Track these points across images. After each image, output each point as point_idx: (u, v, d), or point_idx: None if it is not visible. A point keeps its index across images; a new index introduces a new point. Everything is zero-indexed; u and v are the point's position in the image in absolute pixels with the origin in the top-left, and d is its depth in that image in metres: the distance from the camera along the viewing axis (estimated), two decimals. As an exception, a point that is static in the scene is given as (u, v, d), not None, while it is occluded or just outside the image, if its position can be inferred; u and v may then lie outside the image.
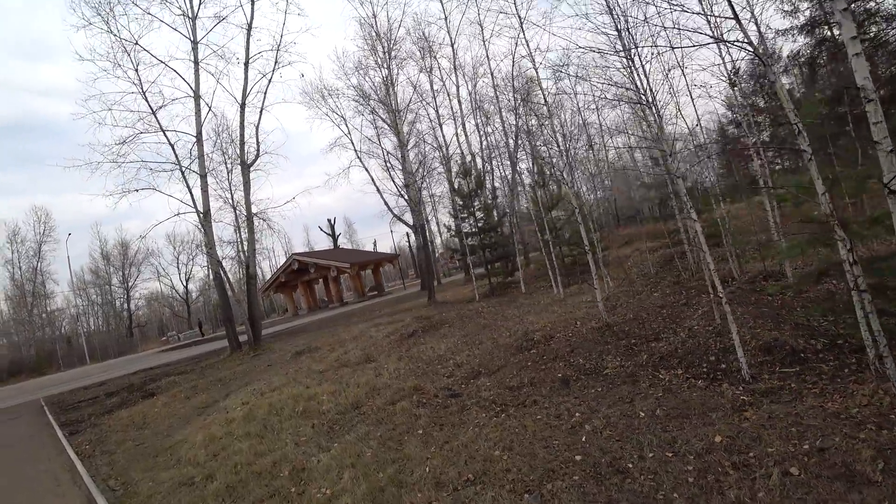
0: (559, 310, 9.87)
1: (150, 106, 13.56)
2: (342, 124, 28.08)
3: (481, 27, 22.88)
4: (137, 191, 12.99)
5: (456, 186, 16.79)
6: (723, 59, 8.52)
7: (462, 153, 22.18)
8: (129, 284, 47.68)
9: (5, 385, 27.65)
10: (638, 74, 5.23)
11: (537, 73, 11.10)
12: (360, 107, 27.68)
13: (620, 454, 3.46)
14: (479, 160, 21.90)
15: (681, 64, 8.33)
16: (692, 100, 10.65)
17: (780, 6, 22.20)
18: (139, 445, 6.65)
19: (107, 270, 47.11)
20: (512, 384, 5.69)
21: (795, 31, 23.14)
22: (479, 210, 16.18)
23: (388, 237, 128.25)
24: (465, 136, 21.08)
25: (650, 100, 5.24)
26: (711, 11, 7.01)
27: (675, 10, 4.46)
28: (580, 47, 5.59)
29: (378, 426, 5.18)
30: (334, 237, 50.61)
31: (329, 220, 50.10)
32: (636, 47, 5.27)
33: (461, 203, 16.27)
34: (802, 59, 23.22)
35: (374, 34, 21.86)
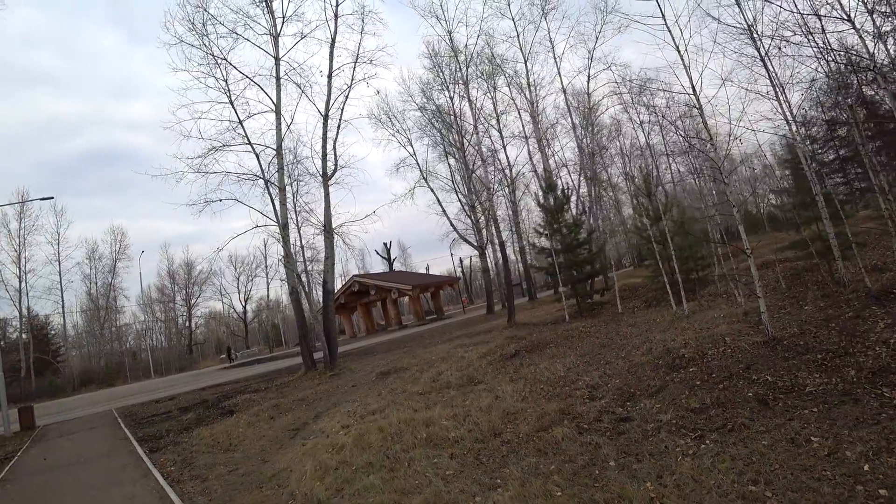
0: (691, 326, 8.61)
1: (237, 115, 13.39)
2: (408, 145, 27.86)
3: (552, 44, 22.23)
4: (221, 200, 12.70)
5: (541, 202, 15.70)
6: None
7: (545, 169, 21.13)
8: (192, 303, 48.94)
9: (78, 394, 28.33)
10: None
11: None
12: (426, 127, 27.51)
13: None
14: (562, 176, 20.77)
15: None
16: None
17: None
18: (233, 472, 5.75)
19: (172, 289, 48.62)
20: (692, 406, 4.84)
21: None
22: (565, 226, 14.98)
23: (440, 262, 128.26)
24: (542, 152, 20.08)
25: None
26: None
27: None
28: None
29: (545, 458, 4.24)
30: (390, 261, 50.40)
31: (385, 244, 50.11)
32: None
33: (547, 219, 15.13)
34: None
35: (448, 51, 21.54)
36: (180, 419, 10.29)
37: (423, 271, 53.97)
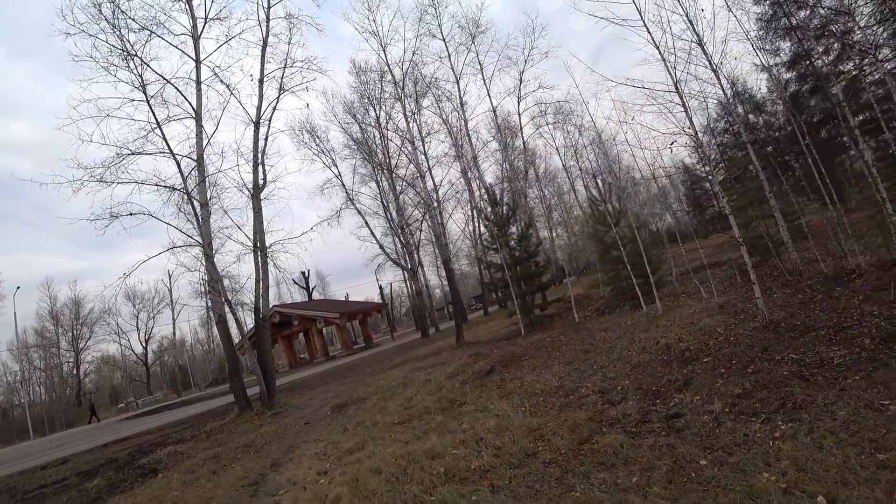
0: (672, 323, 8.57)
1: (155, 116, 11.53)
2: (333, 166, 26.61)
3: (481, 66, 22.40)
4: (131, 214, 10.68)
5: (485, 217, 15.28)
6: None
7: (486, 186, 20.89)
8: (81, 346, 42.72)
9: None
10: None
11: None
12: (352, 148, 26.47)
13: None
14: (497, 191, 20.57)
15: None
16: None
17: (762, 46, 23.03)
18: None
19: (55, 331, 42.12)
20: (735, 392, 4.71)
21: (781, 67, 23.98)
22: (512, 239, 14.64)
23: (359, 290, 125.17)
24: (478, 170, 19.86)
25: None
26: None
27: None
28: None
29: (615, 470, 3.75)
30: (309, 290, 47.75)
31: (303, 273, 47.51)
32: None
33: (493, 233, 14.71)
34: (788, 92, 23.94)
35: (380, 67, 20.81)
36: (83, 488, 8.11)
37: (343, 300, 51.76)
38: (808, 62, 22.62)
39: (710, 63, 8.53)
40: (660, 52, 7.71)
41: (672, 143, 7.10)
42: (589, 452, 4.19)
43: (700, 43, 8.30)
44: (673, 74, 7.61)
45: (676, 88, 7.61)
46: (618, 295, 12.22)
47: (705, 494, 3.12)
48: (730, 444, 3.75)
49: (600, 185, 11.79)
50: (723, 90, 9.43)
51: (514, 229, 14.89)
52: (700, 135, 7.81)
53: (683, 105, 7.58)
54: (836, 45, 19.50)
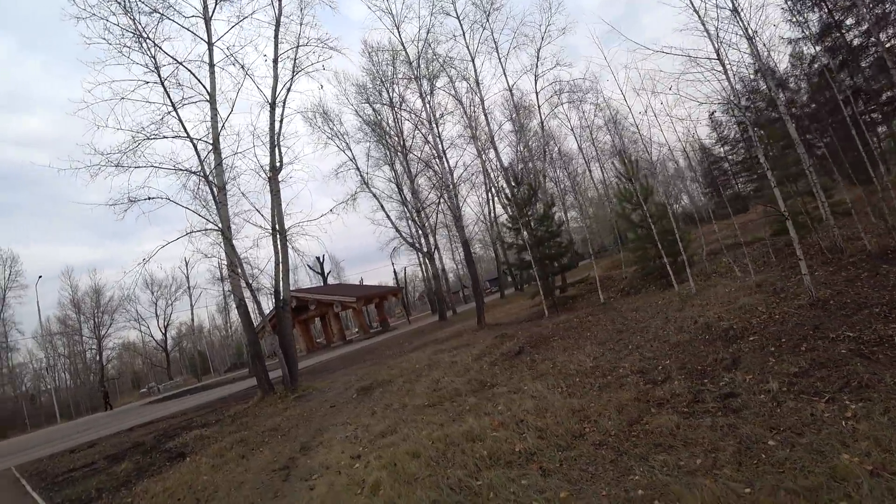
0: (709, 302, 8.22)
1: (170, 98, 11.33)
2: (347, 150, 26.31)
3: (496, 45, 21.77)
4: (149, 199, 10.56)
5: (506, 196, 14.95)
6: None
7: (508, 164, 20.48)
8: (102, 333, 43.44)
9: (-40, 454, 23.59)
10: None
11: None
12: (366, 131, 26.13)
13: None
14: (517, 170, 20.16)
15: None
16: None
17: (789, 17, 22.01)
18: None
19: (77, 319, 42.86)
20: (791, 371, 4.47)
21: (809, 40, 22.88)
22: (534, 220, 14.31)
23: (372, 275, 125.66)
24: (495, 150, 19.42)
25: None
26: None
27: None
28: None
29: (675, 452, 3.53)
30: (324, 275, 47.84)
31: (318, 258, 47.53)
32: None
33: (513, 214, 14.39)
34: (816, 67, 22.95)
35: (394, 46, 20.32)
36: (112, 472, 8.11)
37: (358, 284, 51.86)
38: (839, 34, 21.55)
39: (745, 31, 8.08)
40: (700, 17, 7.29)
41: (712, 113, 6.72)
42: (642, 434, 3.99)
43: (735, 10, 7.85)
44: (714, 42, 7.21)
45: (718, 55, 7.20)
46: (645, 274, 11.87)
47: (782, 477, 2.89)
48: (796, 424, 3.52)
49: (627, 161, 11.34)
50: (759, 58, 8.96)
51: (535, 209, 14.53)
52: (741, 102, 7.40)
53: (725, 72, 7.19)
54: (868, 14, 18.58)
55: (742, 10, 7.90)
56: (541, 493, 3.37)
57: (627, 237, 13.83)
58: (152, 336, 47.13)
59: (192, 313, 46.31)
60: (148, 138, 11.20)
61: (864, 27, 19.56)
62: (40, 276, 33.60)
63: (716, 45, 7.23)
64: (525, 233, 13.92)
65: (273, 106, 12.59)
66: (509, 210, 14.69)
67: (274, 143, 12.46)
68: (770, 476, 2.94)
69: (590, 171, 40.62)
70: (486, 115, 19.12)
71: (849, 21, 21.09)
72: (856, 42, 21.13)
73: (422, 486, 3.85)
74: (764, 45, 9.00)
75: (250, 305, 12.35)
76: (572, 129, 36.96)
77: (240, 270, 11.39)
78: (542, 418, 4.81)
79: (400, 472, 4.22)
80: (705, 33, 7.26)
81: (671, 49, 7.35)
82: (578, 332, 9.04)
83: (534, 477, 3.60)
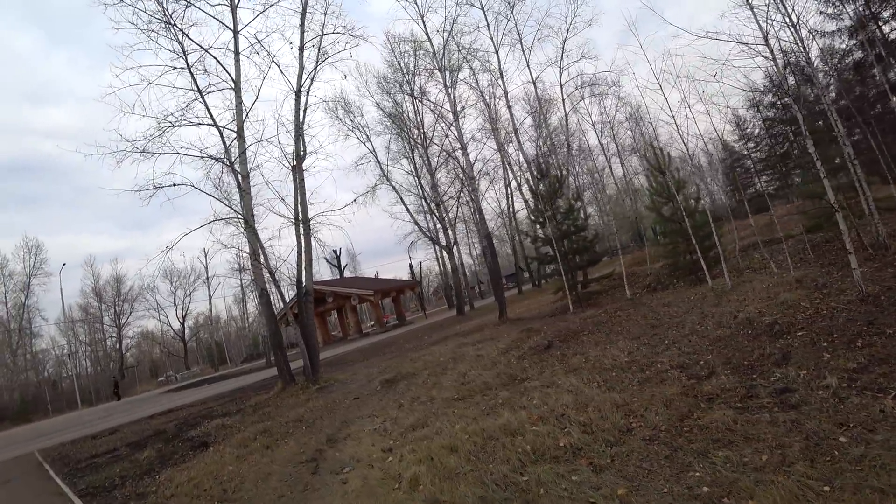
0: (747, 297, 7.89)
1: (196, 84, 11.26)
2: (367, 142, 26.19)
3: (520, 37, 21.40)
4: (174, 185, 10.52)
5: (530, 188, 14.67)
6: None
7: (530, 158, 20.16)
8: (122, 322, 44.13)
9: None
10: None
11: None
12: (386, 123, 25.98)
13: None
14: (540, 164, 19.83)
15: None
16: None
17: (824, 10, 21.20)
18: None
19: (99, 307, 43.58)
20: (849, 367, 4.23)
21: (843, 33, 22.02)
22: (559, 213, 14.00)
23: (387, 269, 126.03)
24: (518, 143, 19.09)
25: None
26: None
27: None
28: None
29: (736, 448, 3.32)
30: (340, 268, 47.93)
31: (335, 251, 47.58)
32: None
33: (538, 206, 14.11)
34: (849, 62, 22.13)
35: (418, 38, 20.09)
36: (135, 459, 8.05)
37: (375, 277, 51.88)
38: (876, 26, 20.69)
39: (789, 18, 7.71)
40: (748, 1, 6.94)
41: (759, 96, 6.38)
42: (696, 429, 3.78)
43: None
44: (762, 27, 6.86)
45: (766, 41, 6.85)
46: (675, 269, 11.51)
47: (864, 475, 2.69)
48: (867, 420, 3.32)
49: (658, 153, 10.96)
50: (804, 47, 8.56)
51: (560, 202, 14.22)
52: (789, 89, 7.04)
53: (774, 59, 6.84)
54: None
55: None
56: (595, 489, 3.16)
57: (656, 231, 13.41)
58: (170, 326, 47.86)
59: (210, 304, 46.80)
60: (173, 125, 11.15)
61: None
62: (64, 264, 34.21)
63: (764, 31, 6.88)
64: (550, 226, 13.63)
65: (298, 94, 12.47)
66: (532, 204, 14.41)
67: (299, 132, 12.33)
68: (849, 474, 2.73)
69: (610, 167, 40.05)
70: (509, 107, 18.81)
71: (885, 14, 20.28)
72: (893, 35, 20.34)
73: (464, 481, 3.65)
74: (809, 31, 8.60)
75: (272, 295, 12.27)
76: (593, 125, 36.44)
77: (263, 259, 11.29)
78: (584, 412, 4.59)
79: (438, 467, 4.02)
80: (752, 18, 6.91)
81: (717, 34, 7.02)
82: (609, 327, 8.76)
83: (585, 472, 3.40)
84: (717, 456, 3.25)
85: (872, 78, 21.22)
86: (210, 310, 48.73)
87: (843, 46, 21.32)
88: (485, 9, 19.42)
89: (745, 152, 36.17)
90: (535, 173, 13.99)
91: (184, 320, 47.71)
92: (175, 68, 11.02)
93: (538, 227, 14.38)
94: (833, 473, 2.78)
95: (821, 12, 20.75)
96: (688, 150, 8.76)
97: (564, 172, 20.36)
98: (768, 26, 6.84)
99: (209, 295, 46.14)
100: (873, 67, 20.95)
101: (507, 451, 4.04)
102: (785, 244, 10.28)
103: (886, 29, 19.79)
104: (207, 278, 45.52)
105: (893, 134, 20.04)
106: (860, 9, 20.46)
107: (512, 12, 20.25)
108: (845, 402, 3.64)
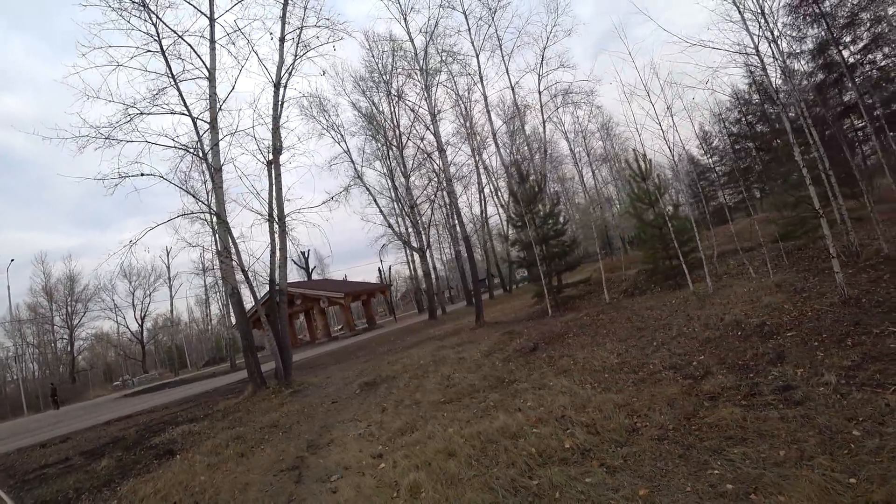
0: (730, 300, 8.06)
1: (170, 70, 10.64)
2: (342, 141, 25.69)
3: (500, 43, 21.44)
4: (141, 175, 9.86)
5: (511, 193, 14.60)
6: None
7: (510, 162, 20.11)
8: (75, 323, 41.78)
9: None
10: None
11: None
12: (362, 124, 25.58)
13: None
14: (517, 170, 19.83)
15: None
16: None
17: (789, 33, 22.19)
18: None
19: (49, 307, 41.12)
20: (844, 364, 4.34)
21: (807, 55, 23.06)
22: (538, 217, 13.99)
23: (356, 272, 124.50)
24: (497, 147, 19.02)
25: None
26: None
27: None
28: None
29: (750, 444, 3.30)
30: (308, 270, 46.88)
31: (302, 253, 46.52)
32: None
33: (518, 211, 14.07)
34: (813, 82, 23.17)
35: (399, 38, 19.85)
36: (91, 469, 7.37)
37: (344, 280, 51.02)
38: (837, 50, 21.70)
39: (770, 34, 7.90)
40: (740, 11, 7.08)
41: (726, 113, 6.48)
42: (705, 427, 3.75)
43: (763, 12, 7.67)
44: (753, 40, 7.00)
45: (757, 51, 6.99)
46: (655, 274, 11.62)
47: (887, 466, 2.71)
48: (874, 414, 3.37)
49: (641, 160, 11.06)
50: (784, 61, 8.81)
51: (539, 206, 14.21)
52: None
53: (763, 69, 6.97)
54: (865, 33, 18.78)
55: (768, 14, 7.75)
56: (615, 490, 3.01)
57: (625, 240, 13.52)
58: (128, 327, 45.62)
59: (172, 304, 44.90)
60: (142, 113, 10.51)
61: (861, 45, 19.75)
62: (12, 260, 32.16)
63: (755, 42, 7.02)
64: (530, 230, 13.58)
65: (277, 86, 12.01)
66: (512, 207, 14.35)
67: (277, 125, 11.88)
68: (872, 466, 2.74)
69: (581, 176, 40.66)
70: (488, 111, 18.75)
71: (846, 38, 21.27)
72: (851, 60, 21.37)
73: (470, 487, 3.42)
74: (788, 44, 8.88)
75: (245, 295, 11.75)
76: (565, 134, 36.94)
77: (235, 255, 10.77)
78: (584, 413, 4.48)
79: (438, 473, 3.77)
80: (745, 29, 7.06)
81: (709, 42, 7.12)
82: (594, 330, 8.72)
83: (598, 474, 3.26)
84: (734, 453, 3.23)
85: (831, 99, 22.24)
86: (171, 311, 46.74)
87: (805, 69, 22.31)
88: (466, 13, 19.38)
89: (711, 165, 37.46)
90: (515, 177, 13.90)
91: (142, 322, 45.60)
92: (149, 51, 10.40)
93: (517, 230, 14.34)
94: (855, 466, 2.79)
95: (787, 35, 21.63)
96: (673, 156, 8.84)
97: (543, 176, 20.43)
98: (758, 40, 6.98)
99: (171, 295, 44.22)
100: (833, 88, 21.95)
101: (510, 455, 3.84)
102: (766, 250, 10.52)
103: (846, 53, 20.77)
104: (169, 278, 43.62)
105: (852, 150, 21.06)
106: (822, 33, 21.42)
107: (493, 18, 20.28)
108: (848, 398, 3.70)
